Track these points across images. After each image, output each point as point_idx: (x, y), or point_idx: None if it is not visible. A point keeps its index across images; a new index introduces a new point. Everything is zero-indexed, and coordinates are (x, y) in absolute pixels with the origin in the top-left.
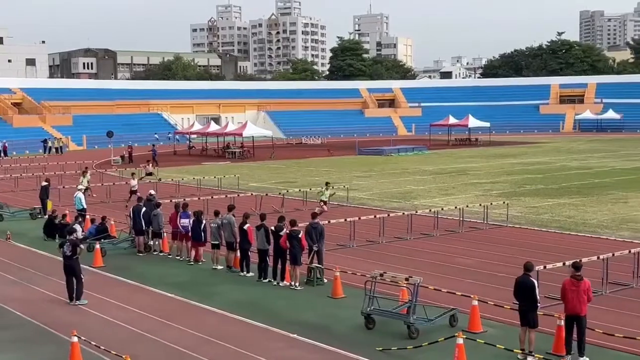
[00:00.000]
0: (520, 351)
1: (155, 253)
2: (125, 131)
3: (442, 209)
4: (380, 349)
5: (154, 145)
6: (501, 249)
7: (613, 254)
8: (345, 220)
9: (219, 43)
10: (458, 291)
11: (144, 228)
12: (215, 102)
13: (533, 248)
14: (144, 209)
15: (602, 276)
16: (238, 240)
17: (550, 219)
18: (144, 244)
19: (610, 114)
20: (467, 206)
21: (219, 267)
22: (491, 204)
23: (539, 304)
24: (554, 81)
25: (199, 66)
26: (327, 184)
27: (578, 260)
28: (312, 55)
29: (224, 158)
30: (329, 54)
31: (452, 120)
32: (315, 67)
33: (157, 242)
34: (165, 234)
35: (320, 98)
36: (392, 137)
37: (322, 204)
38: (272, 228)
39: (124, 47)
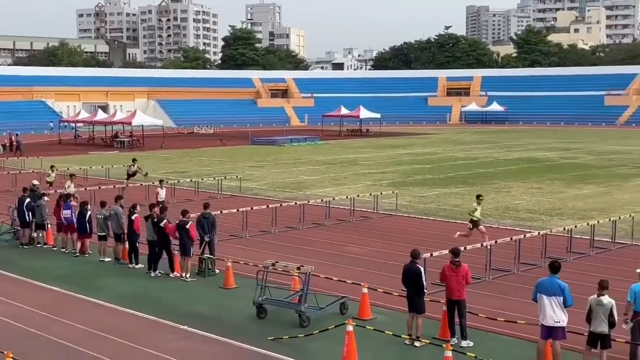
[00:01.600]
0: (408, 336)
1: (39, 245)
2: (7, 119)
3: (334, 199)
4: (272, 338)
5: (17, 134)
6: (391, 238)
7: (496, 241)
8: (238, 210)
9: (106, 29)
10: (349, 279)
11: (28, 219)
12: (102, 90)
13: (421, 236)
14: (27, 200)
15: (485, 263)
16: (126, 231)
17: (437, 208)
18: (28, 236)
19: (495, 106)
20: (358, 196)
21: (107, 259)
22: (381, 193)
23: (425, 291)
24: (442, 74)
25: (86, 52)
26: (478, 197)
27: (457, 246)
28: (204, 43)
29: (112, 147)
30: (221, 43)
31: (344, 111)
32: (207, 55)
33: (41, 234)
34: (49, 225)
35: (213, 87)
36: (285, 128)
37: (471, 225)
38: (155, 218)
39: (6, 31)
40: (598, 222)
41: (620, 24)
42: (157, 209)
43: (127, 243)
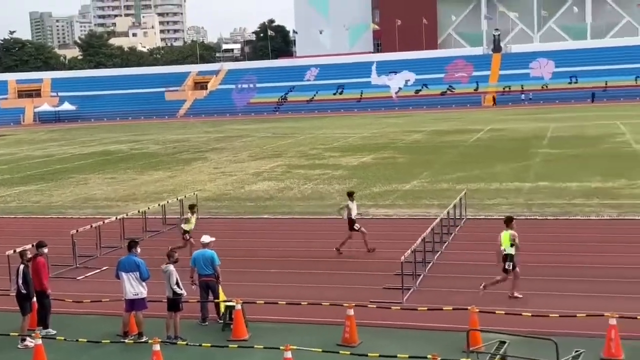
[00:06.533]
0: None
1: None
2: None
3: None
4: None
5: None
6: None
7: (77, 230)
8: None
9: None
10: None
11: None
12: None
13: (9, 235)
14: None
15: (71, 252)
16: None
17: (18, 206)
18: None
19: (67, 106)
20: None
21: None
22: None
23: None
24: (11, 77)
25: None
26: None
27: (42, 240)
28: None
29: None
30: None
31: None
32: None
33: None
34: None
35: None
36: None
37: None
38: None
39: None
40: (168, 202)
41: (171, 29)
42: None
43: None
